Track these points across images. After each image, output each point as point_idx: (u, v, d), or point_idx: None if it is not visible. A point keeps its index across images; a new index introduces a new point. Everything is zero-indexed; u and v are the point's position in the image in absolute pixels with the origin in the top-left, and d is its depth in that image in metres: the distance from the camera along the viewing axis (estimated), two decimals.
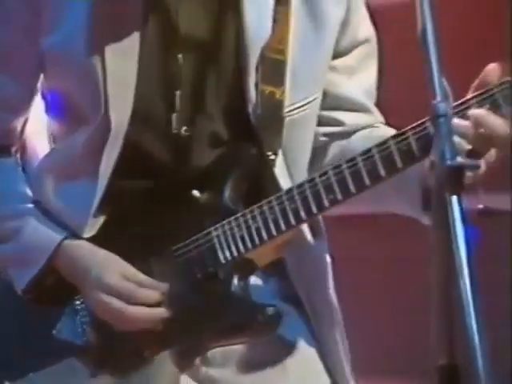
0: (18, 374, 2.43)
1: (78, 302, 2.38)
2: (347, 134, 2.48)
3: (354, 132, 2.49)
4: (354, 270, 4.82)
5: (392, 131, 2.35)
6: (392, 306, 5.13)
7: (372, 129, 2.51)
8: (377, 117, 2.53)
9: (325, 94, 2.46)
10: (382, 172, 2.15)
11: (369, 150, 2.16)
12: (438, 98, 1.72)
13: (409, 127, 2.16)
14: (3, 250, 2.46)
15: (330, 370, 2.44)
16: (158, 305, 2.33)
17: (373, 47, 2.55)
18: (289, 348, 2.41)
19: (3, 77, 2.47)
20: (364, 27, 2.52)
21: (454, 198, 1.60)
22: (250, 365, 2.43)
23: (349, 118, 2.48)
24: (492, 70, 2.23)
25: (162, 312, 2.34)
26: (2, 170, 2.51)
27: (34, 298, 2.42)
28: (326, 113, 2.47)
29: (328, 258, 2.53)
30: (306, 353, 2.42)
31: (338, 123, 2.47)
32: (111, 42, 2.35)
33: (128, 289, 2.33)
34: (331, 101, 2.46)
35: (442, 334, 1.69)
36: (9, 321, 2.50)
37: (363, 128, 2.50)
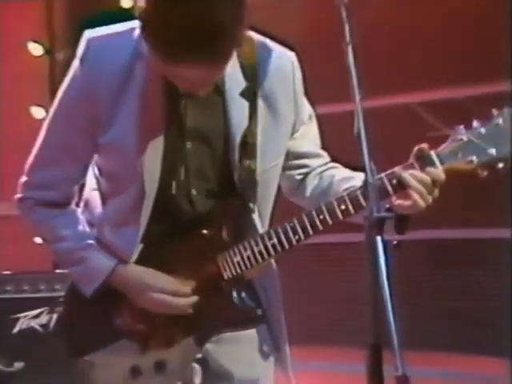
0: (90, 350, 2.97)
1: None
2: (312, 171, 3.04)
3: (315, 170, 3.06)
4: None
5: (338, 166, 3.04)
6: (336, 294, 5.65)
7: (328, 166, 3.07)
8: (325, 157, 3.08)
9: (293, 152, 3.02)
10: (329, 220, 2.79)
11: (330, 202, 2.75)
12: (368, 175, 2.35)
13: (358, 187, 2.73)
14: (74, 271, 2.99)
15: (274, 337, 3.05)
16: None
17: (312, 115, 3.08)
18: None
19: (67, 159, 2.94)
20: (306, 111, 3.06)
21: (379, 238, 2.25)
22: (232, 340, 3.00)
23: (311, 163, 3.04)
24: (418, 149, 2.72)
25: (190, 300, 2.91)
26: (69, 216, 3.01)
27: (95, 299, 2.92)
28: (296, 161, 3.03)
29: (274, 266, 3.08)
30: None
31: (306, 166, 3.04)
32: (146, 138, 2.84)
33: (170, 289, 2.90)
34: (299, 155, 3.02)
35: (372, 320, 2.28)
36: (81, 312, 3.04)
37: (321, 166, 3.05)
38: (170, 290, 2.89)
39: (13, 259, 6.95)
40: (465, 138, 2.70)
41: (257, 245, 2.86)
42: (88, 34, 2.86)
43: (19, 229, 7.78)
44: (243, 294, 2.96)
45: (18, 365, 4.66)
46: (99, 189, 3.02)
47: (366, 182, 2.44)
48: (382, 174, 2.71)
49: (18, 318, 4.80)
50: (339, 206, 2.74)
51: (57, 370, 4.81)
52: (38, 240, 7.26)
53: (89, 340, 3.01)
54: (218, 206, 2.98)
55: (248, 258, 2.87)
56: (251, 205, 2.95)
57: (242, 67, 2.95)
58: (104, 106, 2.84)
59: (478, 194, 5.62)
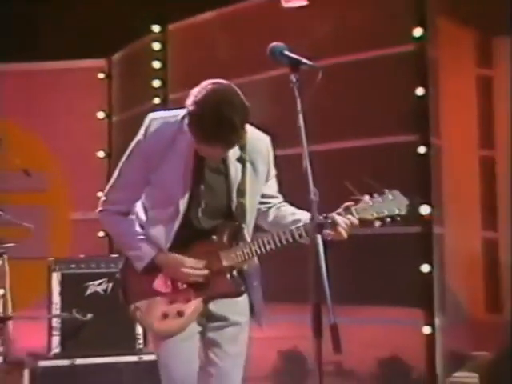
0: (137, 299, 3.00)
1: None
2: (273, 206, 3.14)
3: (275, 205, 3.16)
4: None
5: (287, 205, 3.15)
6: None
7: (281, 204, 3.17)
8: (280, 198, 3.18)
9: (262, 194, 3.11)
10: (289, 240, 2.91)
11: (285, 232, 2.91)
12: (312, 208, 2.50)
13: (301, 223, 2.91)
14: (131, 254, 3.01)
15: (252, 304, 3.10)
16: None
17: (275, 174, 3.17)
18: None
19: (132, 188, 3.01)
20: (273, 171, 3.15)
21: (319, 236, 2.43)
22: (227, 303, 3.03)
23: (272, 201, 3.14)
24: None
25: (202, 273, 2.93)
26: (129, 221, 3.05)
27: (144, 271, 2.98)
28: (264, 199, 3.13)
29: (257, 261, 3.13)
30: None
31: (269, 203, 3.13)
32: (181, 181, 2.92)
33: (189, 264, 2.92)
34: (266, 195, 3.11)
35: (314, 287, 2.40)
36: (132, 278, 3.07)
37: (278, 203, 3.16)
38: (189, 265, 2.94)
39: (82, 248, 6.70)
40: (370, 203, 2.89)
41: (245, 248, 2.96)
42: (151, 115, 2.96)
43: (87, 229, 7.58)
44: (235, 276, 3.03)
45: (89, 315, 4.63)
46: (144, 206, 3.09)
47: (312, 219, 2.55)
48: (323, 215, 2.87)
49: (88, 286, 4.73)
50: (297, 231, 2.89)
51: (112, 318, 4.62)
52: (101, 234, 7.25)
53: (137, 294, 3.03)
54: (222, 224, 3.04)
55: (239, 255, 2.97)
56: (243, 225, 3.04)
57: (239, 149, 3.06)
58: (155, 159, 2.92)
59: None
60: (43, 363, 4.52)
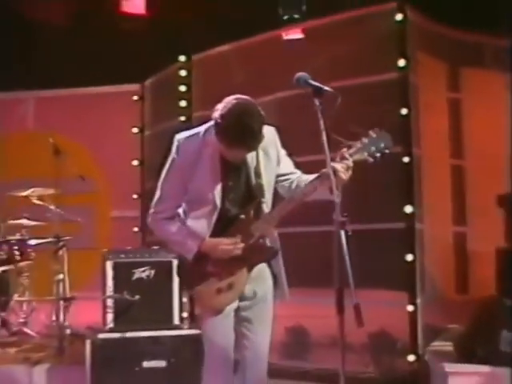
0: (196, 284, 2.97)
1: None
2: (294, 181, 3.06)
3: (295, 179, 3.07)
4: None
5: (306, 176, 3.03)
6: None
7: (298, 175, 3.09)
8: (298, 172, 3.11)
9: (281, 173, 3.07)
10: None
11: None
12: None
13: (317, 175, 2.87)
14: (179, 248, 3.03)
15: (277, 279, 3.07)
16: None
17: (285, 153, 3.11)
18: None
19: (175, 197, 3.02)
20: (282, 152, 3.08)
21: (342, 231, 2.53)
22: (257, 277, 3.02)
23: (291, 176, 3.07)
24: None
25: (239, 246, 2.90)
26: (175, 222, 3.03)
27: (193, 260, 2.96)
28: (283, 177, 3.06)
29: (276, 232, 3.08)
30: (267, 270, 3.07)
31: (288, 179, 3.06)
32: (213, 183, 2.93)
33: (229, 241, 2.90)
34: (283, 174, 3.06)
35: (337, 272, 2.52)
36: (188, 267, 3.02)
37: (296, 176, 3.07)
38: (229, 242, 2.92)
39: (120, 241, 6.75)
40: (359, 145, 2.88)
41: (267, 216, 2.95)
42: (178, 136, 2.99)
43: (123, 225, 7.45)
44: (266, 241, 3.01)
45: (137, 296, 4.62)
46: (184, 209, 3.05)
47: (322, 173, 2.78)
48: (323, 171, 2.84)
49: (134, 272, 4.68)
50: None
51: (154, 299, 4.70)
52: (135, 229, 7.19)
53: (194, 280, 3.02)
54: (247, 203, 3.01)
55: (264, 223, 2.95)
56: (263, 199, 2.98)
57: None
58: (188, 171, 2.93)
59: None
60: (101, 336, 4.48)
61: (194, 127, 3.09)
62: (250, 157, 2.98)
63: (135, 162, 7.41)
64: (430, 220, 5.44)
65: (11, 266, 5.18)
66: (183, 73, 6.66)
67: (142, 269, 4.70)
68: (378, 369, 5.25)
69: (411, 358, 5.07)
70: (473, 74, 6.21)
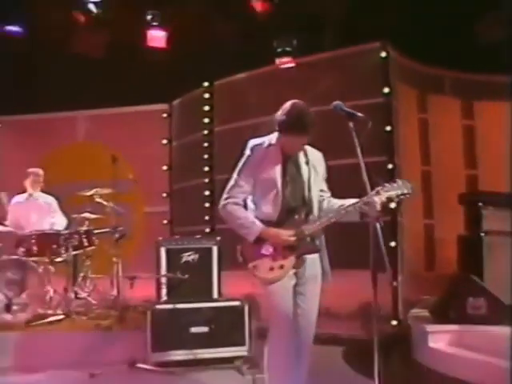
0: (252, 260, 2.98)
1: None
2: (325, 199, 3.11)
3: (326, 198, 3.11)
4: None
5: (335, 199, 3.09)
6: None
7: (330, 197, 3.14)
8: (329, 193, 3.16)
9: (320, 189, 3.11)
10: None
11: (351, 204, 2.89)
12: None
13: (355, 201, 2.87)
14: (245, 232, 2.98)
15: (322, 263, 3.09)
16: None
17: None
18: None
19: (245, 187, 3.02)
20: (325, 173, 3.17)
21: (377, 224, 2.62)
22: (308, 265, 3.05)
23: (325, 194, 3.13)
24: None
25: (294, 237, 2.93)
26: (243, 209, 3.04)
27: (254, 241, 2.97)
28: (321, 193, 3.10)
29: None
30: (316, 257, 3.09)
31: (323, 196, 3.11)
32: (276, 175, 2.99)
33: (286, 232, 2.93)
34: (322, 191, 3.11)
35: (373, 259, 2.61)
36: (247, 247, 3.01)
37: (328, 197, 3.13)
38: (287, 234, 2.96)
39: (152, 232, 6.68)
40: (390, 187, 2.89)
41: (317, 222, 3.01)
42: (251, 141, 3.08)
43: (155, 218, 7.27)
44: (313, 240, 3.05)
45: (186, 275, 4.65)
46: (252, 198, 3.08)
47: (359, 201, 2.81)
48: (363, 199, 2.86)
49: (182, 256, 4.70)
50: (352, 206, 2.90)
51: (198, 278, 4.74)
52: (164, 221, 7.05)
53: (251, 257, 3.01)
54: (301, 207, 3.05)
55: (314, 226, 3.00)
56: (313, 208, 3.06)
57: (304, 154, 3.11)
58: (258, 167, 3.01)
59: None
60: (158, 306, 4.50)
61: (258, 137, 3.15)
62: (304, 170, 3.07)
63: (164, 167, 7.39)
64: (406, 214, 5.50)
65: (81, 251, 5.21)
66: (207, 95, 6.73)
67: (188, 253, 4.69)
68: (367, 331, 5.13)
69: (394, 322, 5.18)
70: (436, 100, 6.28)
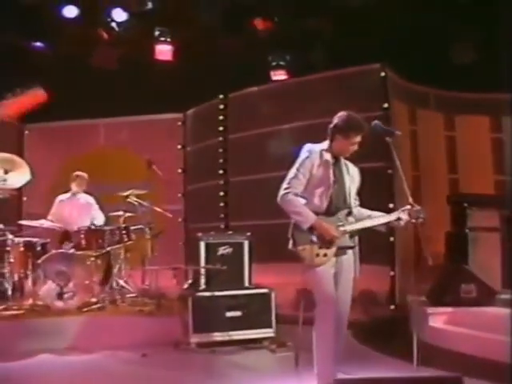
0: (301, 244, 3.21)
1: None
2: (356, 206, 3.35)
3: (357, 205, 3.38)
4: None
5: (363, 209, 3.34)
6: None
7: (358, 205, 3.39)
8: (358, 201, 3.41)
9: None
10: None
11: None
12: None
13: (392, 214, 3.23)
14: (301, 220, 3.18)
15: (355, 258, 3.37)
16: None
17: None
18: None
19: (302, 181, 3.24)
20: (359, 182, 3.42)
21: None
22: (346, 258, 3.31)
23: (356, 202, 3.37)
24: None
25: (338, 233, 3.19)
26: (300, 200, 3.23)
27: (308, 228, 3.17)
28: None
29: None
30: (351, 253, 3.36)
31: (355, 203, 3.36)
32: (329, 175, 3.25)
33: (332, 228, 3.18)
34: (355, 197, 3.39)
35: None
36: (298, 232, 3.22)
37: (357, 204, 3.38)
38: (334, 229, 3.22)
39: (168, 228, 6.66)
40: (415, 209, 3.22)
41: (356, 224, 3.30)
42: (307, 145, 3.35)
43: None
44: (351, 237, 3.31)
45: (224, 266, 4.76)
46: (304, 189, 3.28)
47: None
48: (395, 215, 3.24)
49: (218, 250, 4.84)
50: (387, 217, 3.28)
51: (232, 268, 4.81)
52: (179, 219, 7.12)
53: (301, 242, 3.21)
54: (343, 209, 3.31)
55: (353, 227, 3.30)
56: (351, 209, 3.35)
57: (345, 165, 3.40)
58: (314, 165, 3.29)
59: None
60: (198, 294, 4.67)
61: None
62: (346, 178, 3.35)
63: (179, 170, 7.53)
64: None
65: (121, 245, 5.38)
66: (221, 106, 6.93)
67: (224, 247, 4.84)
68: (368, 315, 5.46)
69: (392, 307, 5.51)
70: (422, 114, 6.58)
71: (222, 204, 6.80)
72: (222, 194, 6.82)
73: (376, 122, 3.34)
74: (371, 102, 5.72)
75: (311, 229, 3.22)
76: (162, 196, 7.35)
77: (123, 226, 5.38)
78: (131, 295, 5.38)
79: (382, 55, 5.90)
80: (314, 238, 3.21)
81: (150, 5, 6.33)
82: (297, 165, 3.31)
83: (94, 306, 4.89)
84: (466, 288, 4.79)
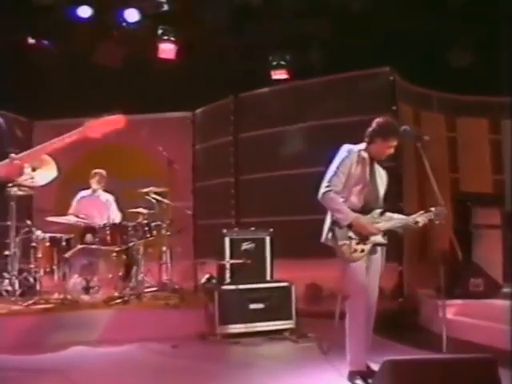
0: (341, 240, 3.40)
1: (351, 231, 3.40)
2: None
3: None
4: None
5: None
6: None
7: None
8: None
9: None
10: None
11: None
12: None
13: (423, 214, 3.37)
14: (341, 217, 3.34)
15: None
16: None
17: None
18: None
19: (342, 179, 3.40)
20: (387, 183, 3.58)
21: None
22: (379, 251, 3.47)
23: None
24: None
25: (374, 231, 3.38)
26: (339, 198, 3.39)
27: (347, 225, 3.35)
28: None
29: None
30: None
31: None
32: (364, 175, 3.43)
33: (371, 227, 3.37)
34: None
35: None
36: (337, 229, 3.38)
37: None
38: (371, 227, 3.42)
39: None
40: (435, 211, 3.41)
41: (388, 223, 3.49)
42: (346, 145, 3.50)
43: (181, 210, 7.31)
44: (384, 234, 3.50)
45: (249, 261, 4.95)
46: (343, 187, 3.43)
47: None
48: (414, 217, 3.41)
49: (242, 245, 5.03)
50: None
51: (254, 262, 5.01)
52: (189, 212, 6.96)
53: (341, 237, 3.38)
54: (376, 207, 3.48)
55: (386, 225, 3.48)
56: (383, 208, 3.53)
57: (377, 168, 3.58)
58: (352, 165, 3.45)
59: None
60: (223, 287, 4.88)
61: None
62: (378, 179, 3.53)
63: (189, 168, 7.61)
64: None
65: (142, 241, 5.50)
66: (232, 106, 7.08)
67: (247, 243, 5.05)
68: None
69: (400, 299, 5.69)
70: (426, 115, 6.79)
71: (232, 201, 6.94)
72: (232, 191, 6.97)
73: (406, 127, 3.53)
74: (380, 104, 5.93)
75: (349, 226, 3.39)
76: (177, 193, 7.56)
77: (145, 222, 5.51)
78: (153, 289, 5.54)
79: (384, 57, 6.10)
80: (352, 234, 3.39)
81: (165, 7, 6.33)
82: (336, 163, 3.46)
83: (119, 300, 5.04)
84: (475, 282, 5.07)
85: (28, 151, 2.63)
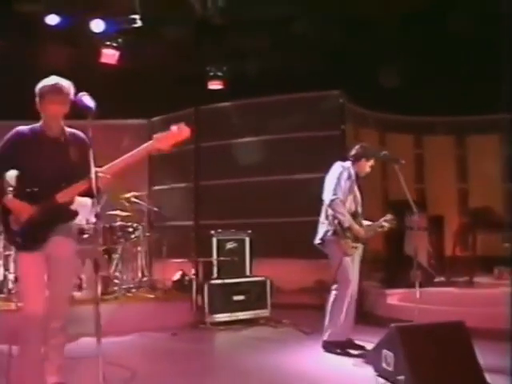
0: (343, 239, 4.11)
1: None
2: None
3: None
4: None
5: None
6: None
7: None
8: None
9: None
10: None
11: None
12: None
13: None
14: (344, 219, 3.91)
15: None
16: None
17: None
18: None
19: (344, 189, 3.98)
20: None
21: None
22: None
23: None
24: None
25: (365, 235, 4.09)
26: (344, 205, 3.95)
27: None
28: None
29: None
30: None
31: None
32: (354, 188, 4.05)
33: (364, 232, 4.01)
34: None
35: None
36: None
37: None
38: (363, 231, 4.07)
39: None
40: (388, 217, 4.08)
41: (368, 227, 4.14)
42: (339, 162, 4.05)
43: None
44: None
45: (236, 258, 5.59)
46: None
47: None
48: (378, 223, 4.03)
49: (226, 245, 5.53)
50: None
51: (236, 259, 5.59)
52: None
53: (343, 236, 3.97)
54: (359, 214, 4.12)
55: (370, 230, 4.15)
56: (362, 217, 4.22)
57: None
58: (348, 179, 4.04)
59: None
60: (211, 281, 5.43)
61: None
62: (358, 192, 4.13)
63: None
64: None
65: (128, 241, 5.90)
66: (191, 118, 7.21)
67: (230, 243, 5.60)
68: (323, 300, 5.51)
69: None
70: (363, 132, 7.65)
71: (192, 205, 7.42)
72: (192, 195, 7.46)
73: (385, 152, 4.29)
74: (330, 122, 6.63)
75: (348, 228, 4.06)
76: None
77: (129, 223, 5.94)
78: (136, 286, 5.99)
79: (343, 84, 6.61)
80: (349, 234, 4.07)
81: (139, 23, 6.50)
82: (335, 176, 4.06)
83: (111, 296, 5.47)
84: (414, 273, 5.52)
85: (111, 164, 2.77)
